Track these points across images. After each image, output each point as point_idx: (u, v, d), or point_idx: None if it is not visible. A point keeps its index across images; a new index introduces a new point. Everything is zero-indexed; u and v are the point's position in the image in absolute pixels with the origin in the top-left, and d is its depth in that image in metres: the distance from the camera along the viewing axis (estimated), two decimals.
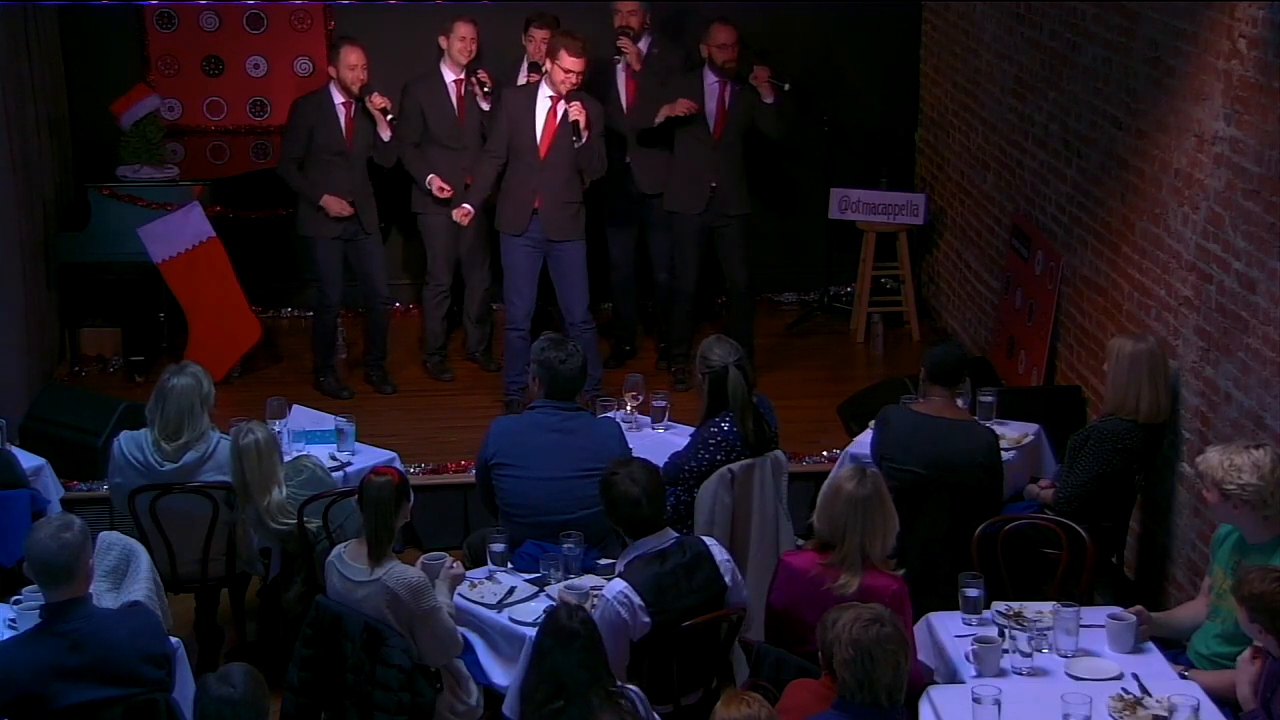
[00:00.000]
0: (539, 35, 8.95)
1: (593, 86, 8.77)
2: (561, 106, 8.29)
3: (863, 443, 6.82)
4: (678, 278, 9.16)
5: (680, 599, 5.35)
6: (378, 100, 8.68)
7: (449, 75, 8.93)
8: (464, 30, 8.84)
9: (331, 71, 8.70)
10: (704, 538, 5.65)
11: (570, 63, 8.17)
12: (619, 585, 5.32)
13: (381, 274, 9.06)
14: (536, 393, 6.37)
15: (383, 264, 9.10)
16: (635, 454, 6.64)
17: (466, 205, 8.57)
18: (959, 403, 6.90)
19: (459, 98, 8.93)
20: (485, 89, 8.87)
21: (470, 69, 8.89)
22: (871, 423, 6.74)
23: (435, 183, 8.87)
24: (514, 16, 9.25)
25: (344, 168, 8.72)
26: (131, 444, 6.51)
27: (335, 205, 8.69)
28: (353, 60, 8.63)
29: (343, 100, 8.69)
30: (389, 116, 8.71)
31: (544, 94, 8.32)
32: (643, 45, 9.15)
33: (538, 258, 8.55)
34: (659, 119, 8.75)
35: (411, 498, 5.64)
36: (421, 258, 9.60)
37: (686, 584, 5.38)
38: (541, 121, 8.34)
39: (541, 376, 6.31)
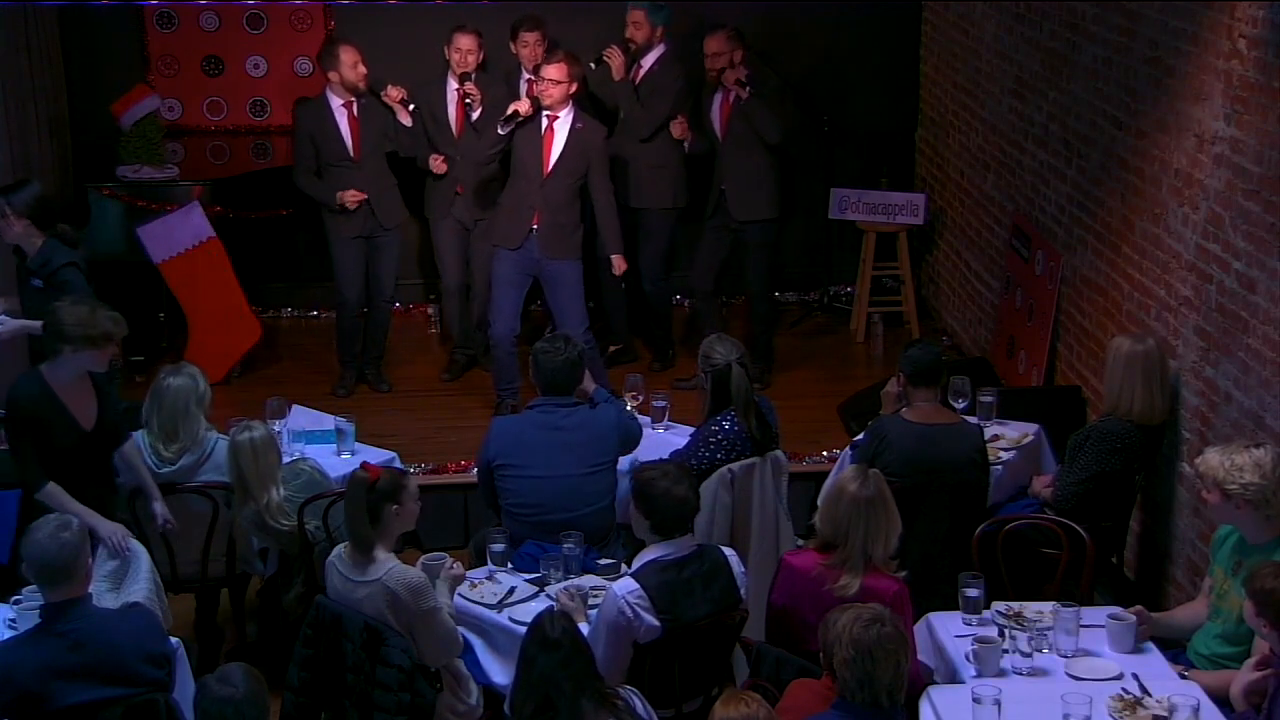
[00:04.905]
0: (531, 39, 8.93)
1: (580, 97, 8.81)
2: (560, 126, 8.25)
3: (858, 444, 6.78)
4: (693, 280, 9.19)
5: (694, 608, 5.34)
6: (394, 93, 8.71)
7: (452, 84, 8.92)
8: (461, 42, 8.82)
9: (333, 76, 8.66)
10: (723, 548, 5.63)
11: (548, 71, 8.17)
12: (630, 584, 5.30)
13: (391, 273, 9.04)
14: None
15: (394, 263, 9.09)
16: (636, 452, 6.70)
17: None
18: (959, 404, 6.91)
19: (458, 107, 8.92)
20: (468, 101, 8.85)
21: (463, 80, 8.86)
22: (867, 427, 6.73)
23: (435, 160, 8.87)
24: (512, 18, 9.23)
25: (352, 169, 8.70)
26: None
27: (350, 197, 8.65)
28: (353, 59, 8.62)
29: (341, 103, 8.69)
30: (410, 106, 8.71)
31: (544, 114, 8.30)
32: (649, 60, 9.13)
33: (526, 277, 8.51)
34: (689, 147, 8.95)
35: (405, 499, 5.54)
36: (426, 257, 9.62)
37: (702, 593, 5.37)
38: (544, 141, 8.29)
39: (532, 372, 6.41)
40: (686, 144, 9.00)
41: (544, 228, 8.35)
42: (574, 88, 8.31)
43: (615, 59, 8.96)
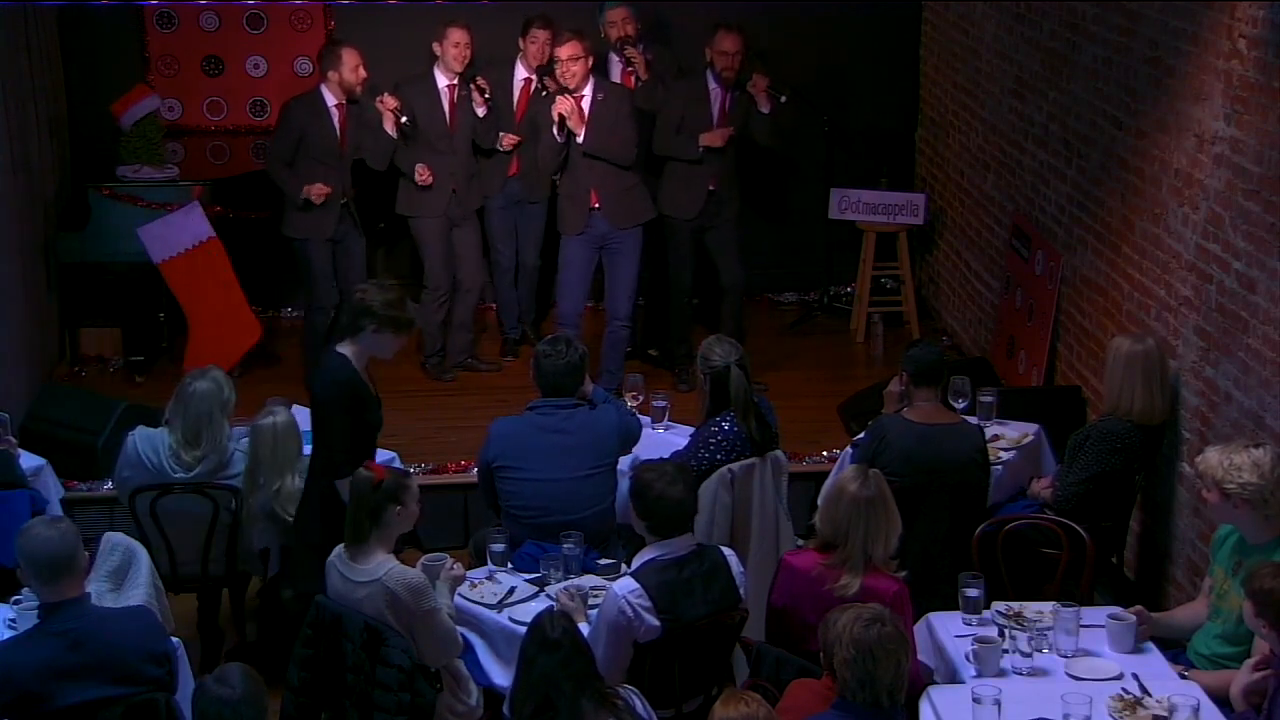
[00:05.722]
0: (541, 36, 8.95)
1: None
2: (586, 104, 8.38)
3: (859, 443, 6.78)
4: (674, 279, 9.18)
5: (694, 608, 5.33)
6: (390, 101, 8.71)
7: (441, 80, 8.93)
8: (457, 36, 8.85)
9: (332, 76, 8.67)
10: (722, 548, 5.62)
11: (563, 51, 8.29)
12: (630, 584, 5.30)
13: (363, 274, 9.02)
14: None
15: (364, 264, 9.10)
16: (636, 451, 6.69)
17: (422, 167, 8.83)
18: (959, 404, 6.91)
19: (451, 103, 8.93)
20: (485, 95, 8.87)
21: (467, 75, 8.89)
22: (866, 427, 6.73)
23: (421, 172, 8.87)
24: (511, 18, 9.24)
25: (336, 169, 8.71)
26: (147, 444, 6.47)
27: (317, 190, 8.63)
28: (355, 62, 8.64)
29: (335, 103, 8.69)
30: (403, 119, 8.72)
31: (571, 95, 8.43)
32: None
33: (593, 255, 8.66)
34: (702, 144, 8.74)
35: (407, 500, 5.54)
36: (410, 260, 9.61)
37: (702, 594, 5.36)
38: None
39: (533, 374, 6.41)
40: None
41: (605, 201, 8.49)
42: (591, 61, 8.43)
43: (638, 58, 9.00)
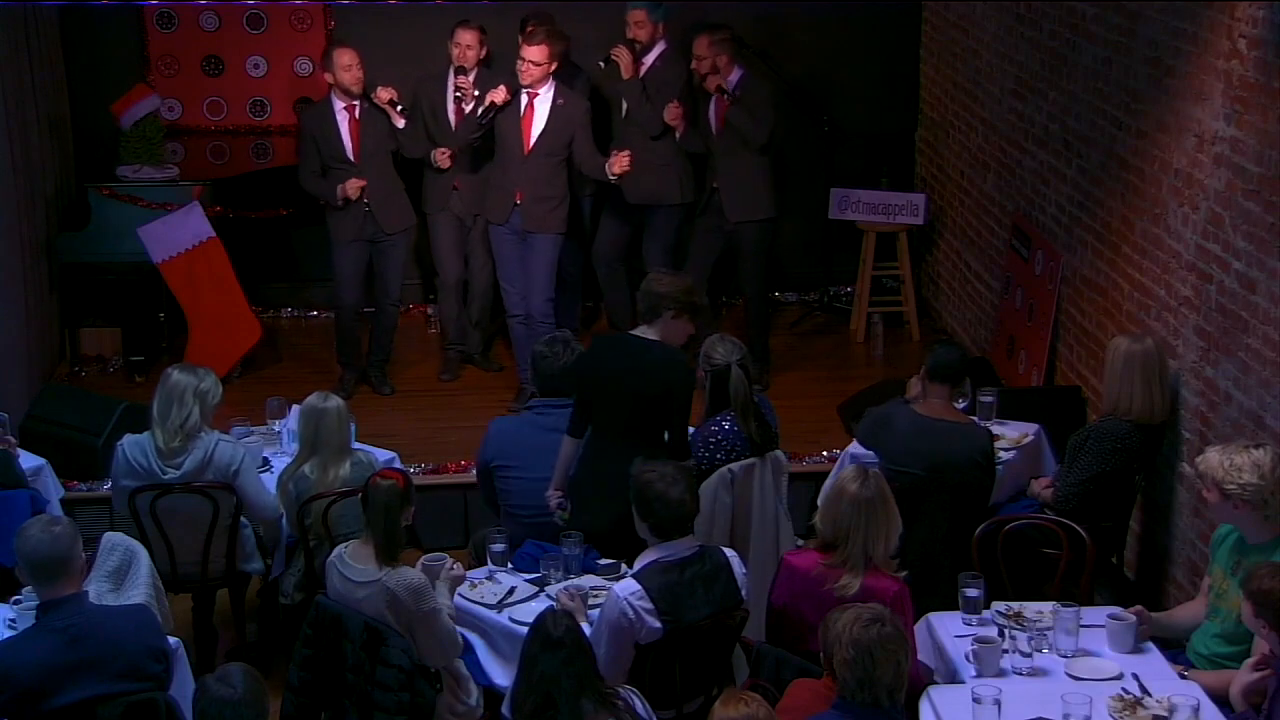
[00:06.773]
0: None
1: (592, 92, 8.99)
2: (540, 104, 8.43)
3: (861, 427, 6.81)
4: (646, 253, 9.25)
5: (696, 610, 5.32)
6: (382, 94, 8.71)
7: (453, 80, 8.94)
8: (462, 37, 8.85)
9: (329, 79, 8.68)
10: (724, 549, 5.61)
11: (528, 52, 8.35)
12: (631, 585, 5.29)
13: (397, 277, 9.06)
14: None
15: (400, 268, 9.11)
16: None
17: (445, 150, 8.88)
18: (959, 404, 6.91)
19: (458, 103, 8.94)
20: (457, 93, 8.88)
21: (462, 73, 8.90)
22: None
23: (438, 155, 8.88)
24: (515, 17, 9.25)
25: (353, 172, 8.67)
26: (135, 449, 6.46)
27: (347, 189, 8.64)
28: (346, 61, 8.62)
29: (344, 105, 8.69)
30: (399, 107, 8.73)
31: (525, 92, 8.50)
32: (650, 57, 9.14)
33: (520, 247, 8.69)
34: (680, 136, 8.92)
35: (414, 501, 5.62)
36: (424, 260, 9.62)
37: (704, 595, 5.34)
38: (524, 120, 8.47)
39: (531, 374, 6.44)
40: (678, 132, 8.94)
41: (526, 203, 8.54)
42: (554, 67, 8.49)
43: (624, 58, 8.99)
